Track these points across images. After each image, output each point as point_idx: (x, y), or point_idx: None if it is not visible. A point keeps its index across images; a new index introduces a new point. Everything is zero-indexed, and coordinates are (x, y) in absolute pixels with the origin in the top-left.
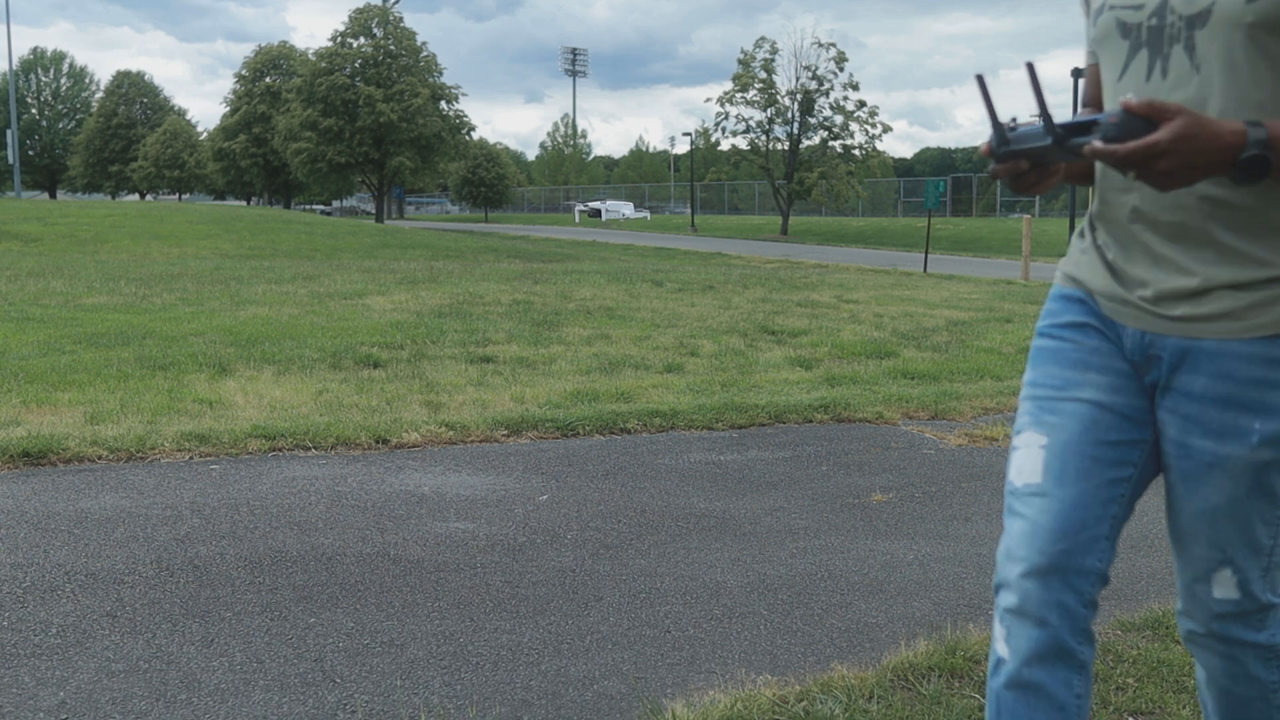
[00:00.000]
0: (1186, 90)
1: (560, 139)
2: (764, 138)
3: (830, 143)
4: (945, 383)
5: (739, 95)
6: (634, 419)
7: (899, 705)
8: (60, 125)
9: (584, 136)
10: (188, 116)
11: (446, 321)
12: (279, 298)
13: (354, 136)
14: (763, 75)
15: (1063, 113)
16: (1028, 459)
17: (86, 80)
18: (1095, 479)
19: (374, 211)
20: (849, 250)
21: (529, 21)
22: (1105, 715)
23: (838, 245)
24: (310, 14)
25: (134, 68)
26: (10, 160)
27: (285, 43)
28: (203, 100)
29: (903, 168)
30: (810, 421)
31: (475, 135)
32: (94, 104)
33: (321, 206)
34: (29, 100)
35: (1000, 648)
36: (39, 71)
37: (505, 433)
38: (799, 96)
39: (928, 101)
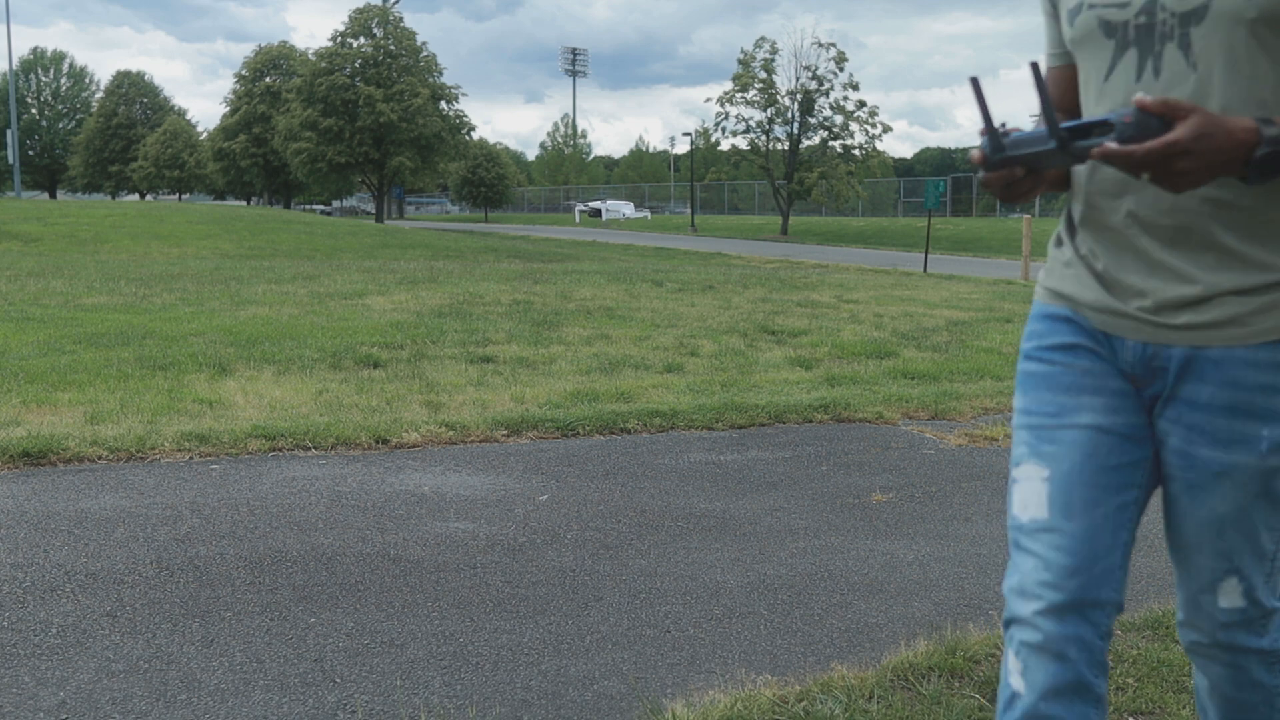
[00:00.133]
0: (1183, 89)
1: (560, 139)
2: (764, 138)
3: (830, 143)
4: (945, 383)
5: (739, 95)
6: (634, 419)
7: (899, 705)
8: (60, 125)
9: (584, 136)
10: (188, 116)
11: (446, 321)
12: (279, 298)
13: (354, 136)
14: (763, 75)
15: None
16: (1031, 493)
17: (86, 80)
18: (1103, 508)
19: (374, 211)
20: (849, 250)
21: (529, 21)
22: (1107, 699)
23: (838, 245)
24: (310, 14)
25: (134, 68)
26: (10, 160)
27: (285, 43)
28: (203, 100)
29: (903, 168)
30: (810, 421)
31: (475, 135)
32: (94, 104)
33: (321, 206)
34: (29, 100)
35: (1015, 681)
36: (39, 71)
37: (505, 433)
38: (799, 96)
39: (928, 101)
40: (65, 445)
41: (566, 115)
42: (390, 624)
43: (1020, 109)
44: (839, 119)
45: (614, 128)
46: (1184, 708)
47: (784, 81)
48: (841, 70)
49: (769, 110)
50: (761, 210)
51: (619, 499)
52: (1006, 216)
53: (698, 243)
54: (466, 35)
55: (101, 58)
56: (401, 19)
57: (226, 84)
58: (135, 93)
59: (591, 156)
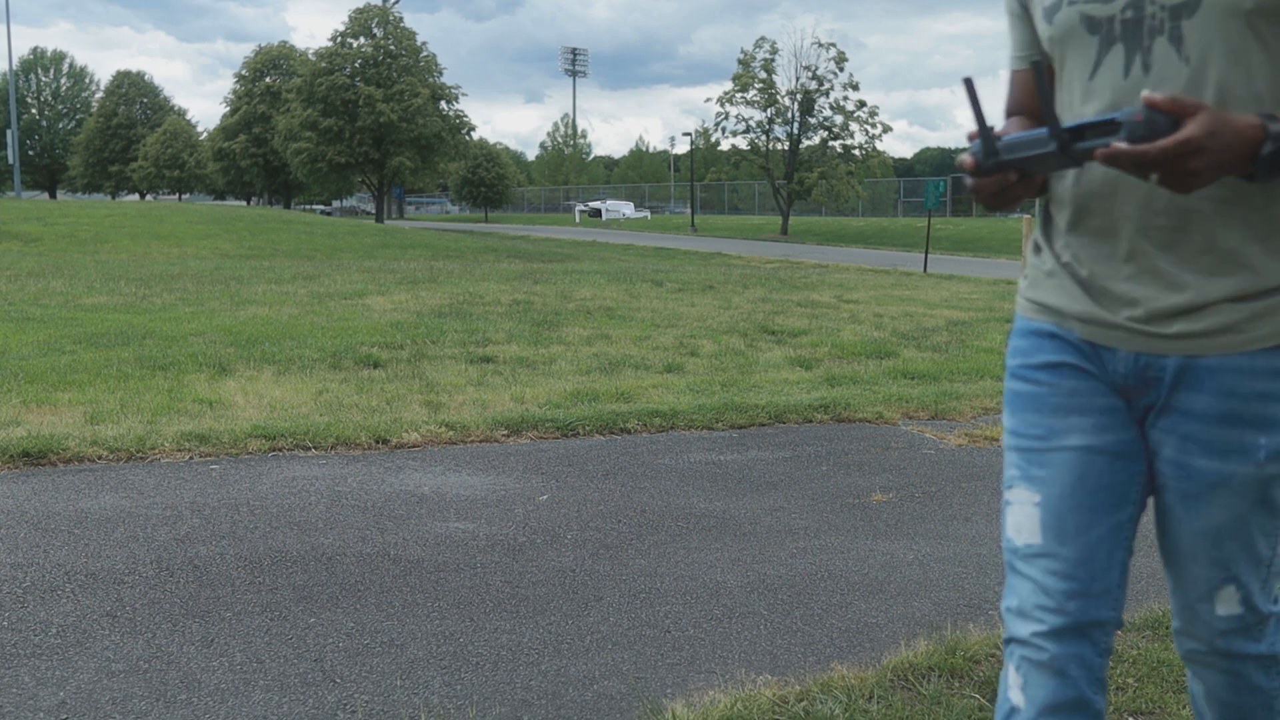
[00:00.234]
0: (1175, 84)
1: (560, 139)
2: (764, 138)
3: (830, 143)
4: (945, 383)
5: (739, 95)
6: (634, 419)
7: (899, 705)
8: (60, 125)
9: (584, 136)
10: (188, 116)
11: (446, 321)
12: (279, 298)
13: (354, 136)
14: (763, 75)
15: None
16: (1024, 518)
17: (86, 80)
18: (1097, 529)
19: (374, 211)
20: (849, 250)
21: (529, 21)
22: (1105, 715)
23: (838, 245)
24: (310, 14)
25: (134, 68)
26: (10, 160)
27: (285, 43)
28: (203, 100)
29: (903, 168)
30: (810, 421)
31: (475, 135)
32: (94, 104)
33: (321, 206)
34: (29, 100)
35: (1015, 696)
36: (39, 71)
37: (505, 433)
38: (799, 96)
39: (928, 101)
40: (65, 445)
41: (566, 115)
42: (390, 624)
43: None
44: (839, 119)
45: (614, 128)
46: (1184, 708)
47: (784, 81)
48: (841, 70)
49: (769, 110)
50: (761, 210)
51: (619, 499)
52: (1007, 216)
53: (698, 243)
54: (466, 35)
55: (101, 58)
56: (401, 19)
57: (226, 84)
58: (135, 93)
59: (591, 156)
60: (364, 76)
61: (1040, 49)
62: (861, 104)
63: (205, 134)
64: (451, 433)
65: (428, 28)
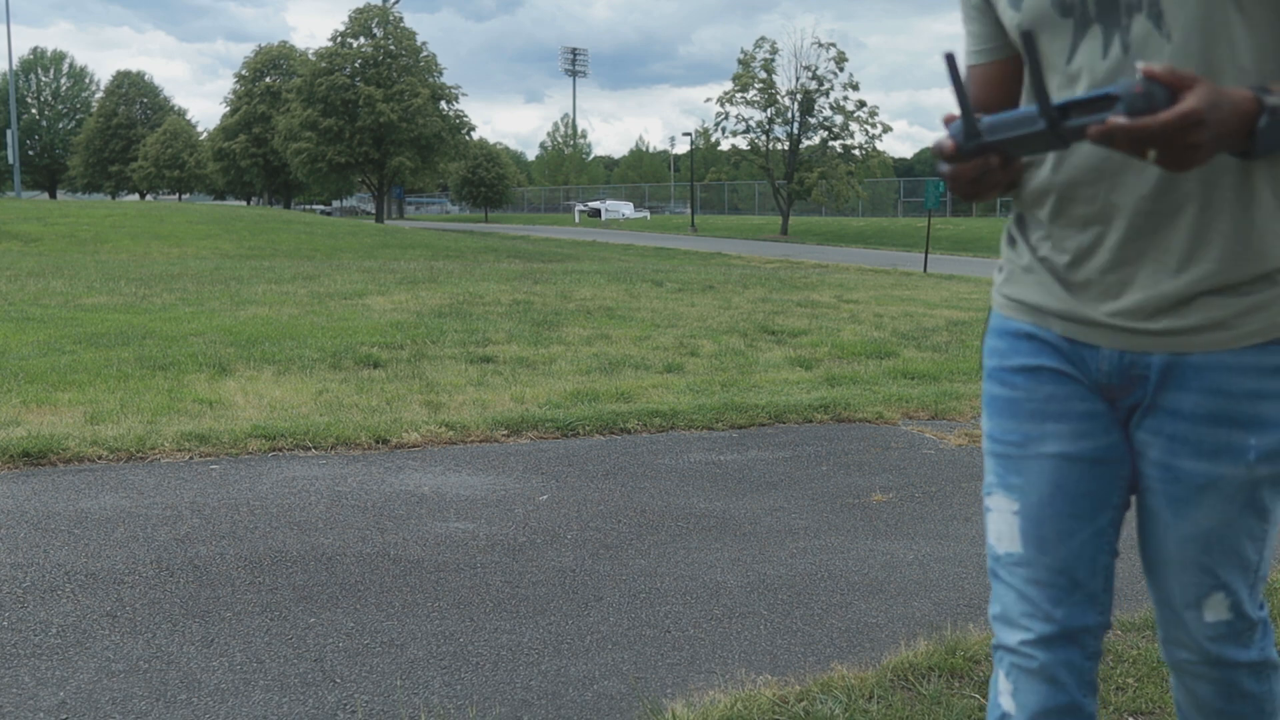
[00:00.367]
0: (1157, 62)
1: (560, 139)
2: (764, 138)
3: (830, 143)
4: (945, 383)
5: (739, 95)
6: (634, 419)
7: (899, 705)
8: (60, 125)
9: (584, 136)
10: (188, 116)
11: (446, 321)
12: (279, 298)
13: (354, 136)
14: (763, 75)
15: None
16: (1004, 525)
17: (86, 80)
18: (1078, 537)
19: (374, 211)
20: (849, 250)
21: (529, 21)
22: (1105, 715)
23: (838, 245)
24: (310, 14)
25: (134, 68)
26: (10, 160)
27: (285, 43)
28: (203, 100)
29: (903, 168)
30: (810, 421)
31: (475, 135)
32: (94, 104)
33: (321, 206)
34: (29, 100)
35: (1006, 702)
36: (39, 71)
37: (505, 433)
38: (799, 96)
39: (928, 101)
40: (65, 445)
41: (566, 115)
42: (390, 624)
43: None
44: (839, 119)
45: (614, 128)
46: None
47: (784, 81)
48: (841, 70)
49: (769, 110)
50: (761, 210)
51: (619, 499)
52: (1006, 216)
53: (698, 243)
54: (466, 35)
55: (101, 58)
56: (401, 19)
57: (226, 84)
58: (135, 93)
59: (591, 156)
60: (364, 76)
61: (1003, 40)
62: (861, 104)
63: (205, 134)
64: (451, 433)
65: (428, 28)
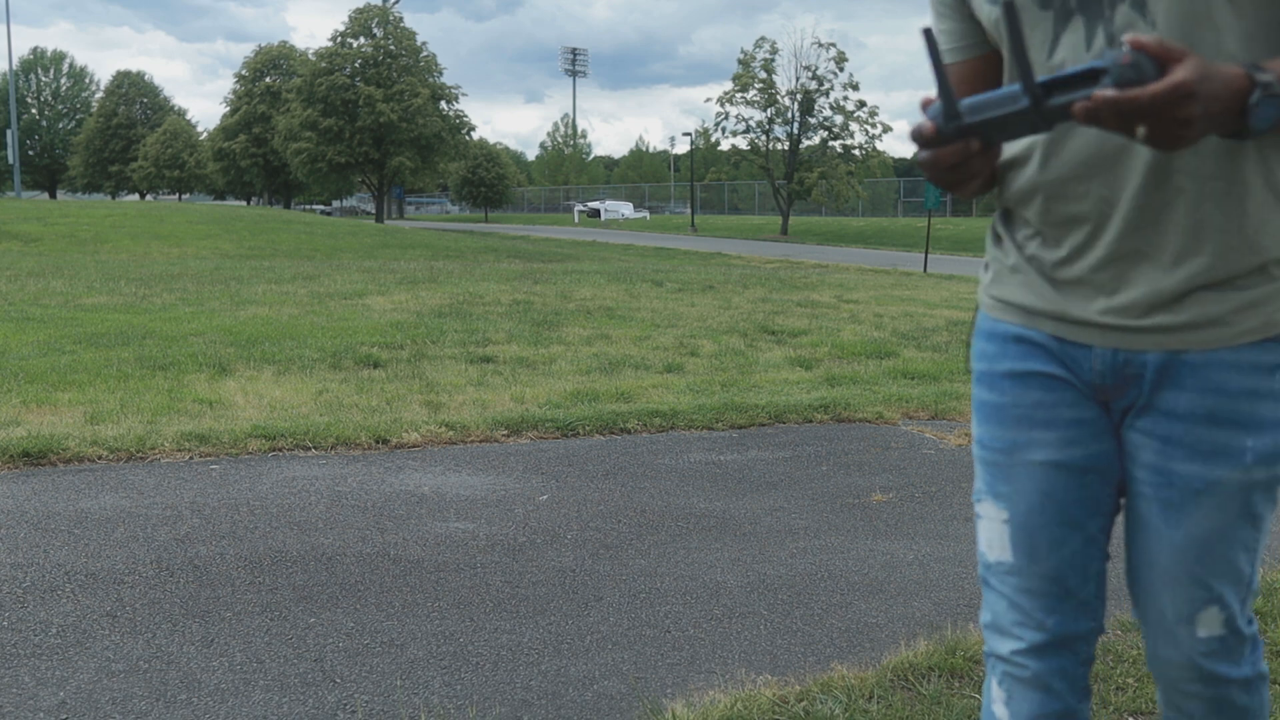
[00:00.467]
0: None
1: (560, 139)
2: (764, 138)
3: (830, 143)
4: (945, 383)
5: (739, 95)
6: (634, 419)
7: (899, 705)
8: (60, 125)
9: (584, 136)
10: (188, 116)
11: (446, 321)
12: (279, 298)
13: (354, 136)
14: (763, 75)
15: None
16: (994, 533)
17: (86, 80)
18: (1069, 545)
19: (374, 211)
20: (849, 250)
21: (529, 21)
22: (1105, 715)
23: (838, 245)
24: (310, 14)
25: (134, 68)
26: (10, 160)
27: (285, 43)
28: (203, 100)
29: (903, 168)
30: (810, 421)
31: (475, 135)
32: (94, 104)
33: (321, 206)
34: (29, 100)
35: (999, 710)
36: (39, 71)
37: (505, 433)
38: (799, 96)
39: None
40: (65, 445)
41: (566, 115)
42: (390, 624)
43: None
44: (839, 119)
45: (614, 128)
46: None
47: (784, 81)
48: (841, 70)
49: (769, 110)
50: (761, 210)
51: (619, 499)
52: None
53: (698, 243)
54: (466, 35)
55: (101, 58)
56: (401, 19)
57: (226, 84)
58: (135, 93)
59: (591, 156)
60: (364, 76)
61: (979, 37)
62: (861, 104)
63: (205, 134)
64: (451, 433)
65: (428, 28)
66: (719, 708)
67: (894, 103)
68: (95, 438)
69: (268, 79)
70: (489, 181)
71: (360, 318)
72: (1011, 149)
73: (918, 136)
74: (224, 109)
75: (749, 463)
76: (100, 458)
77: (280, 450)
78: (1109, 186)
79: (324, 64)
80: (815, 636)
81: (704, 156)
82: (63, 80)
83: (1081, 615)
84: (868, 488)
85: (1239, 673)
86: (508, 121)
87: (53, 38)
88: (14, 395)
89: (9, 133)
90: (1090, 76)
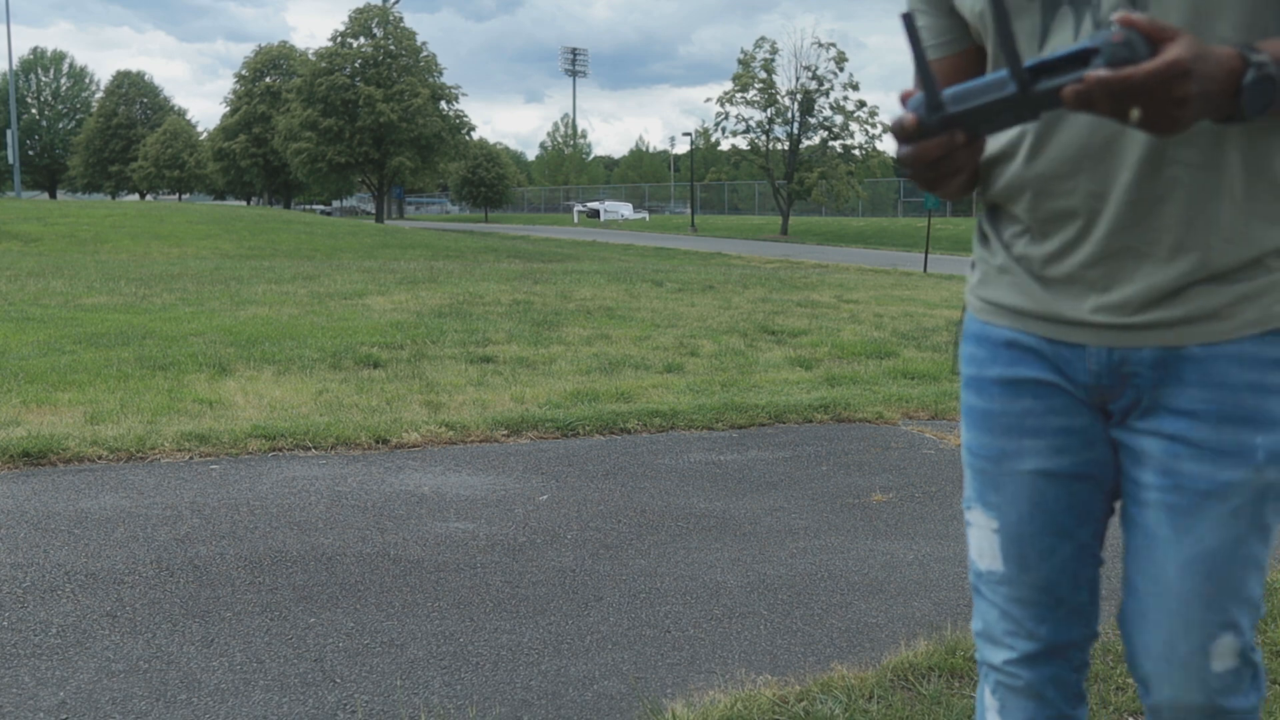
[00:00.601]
0: None
1: (560, 139)
2: (764, 138)
3: (830, 143)
4: (945, 383)
5: (739, 95)
6: (634, 419)
7: (899, 705)
8: (60, 125)
9: (584, 136)
10: (188, 116)
11: (446, 321)
12: (279, 298)
13: (354, 136)
14: (763, 75)
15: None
16: (984, 542)
17: (86, 80)
18: (1060, 554)
19: (374, 211)
20: (849, 250)
21: (529, 21)
22: (1105, 715)
23: (838, 245)
24: (310, 14)
25: (134, 68)
26: (10, 160)
27: (285, 43)
28: (203, 100)
29: (900, 169)
30: (810, 421)
31: (475, 135)
32: (94, 104)
33: (321, 206)
34: (29, 100)
35: (993, 719)
36: (39, 71)
37: (505, 433)
38: (799, 96)
39: None
40: (65, 445)
41: (566, 115)
42: (390, 624)
43: None
44: (839, 119)
45: (614, 128)
46: None
47: (784, 81)
48: (841, 70)
49: (769, 110)
50: (761, 210)
51: (619, 499)
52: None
53: (698, 243)
54: (466, 35)
55: (101, 58)
56: (401, 19)
57: (226, 84)
58: (135, 93)
59: (591, 156)
60: (364, 76)
61: (960, 32)
62: (861, 104)
63: (205, 134)
64: (451, 433)
65: (428, 28)
66: (719, 708)
67: (894, 103)
68: (95, 438)
69: (268, 79)
70: (489, 181)
71: (360, 318)
72: (996, 143)
73: (898, 130)
74: (224, 109)
75: (749, 463)
76: (100, 458)
77: (280, 450)
78: (1099, 180)
79: (324, 64)
80: (815, 636)
81: (704, 156)
82: (63, 80)
83: (1074, 623)
84: (868, 488)
85: (1246, 703)
86: (508, 121)
87: (53, 38)
88: (14, 395)
89: (9, 133)
90: (1079, 59)
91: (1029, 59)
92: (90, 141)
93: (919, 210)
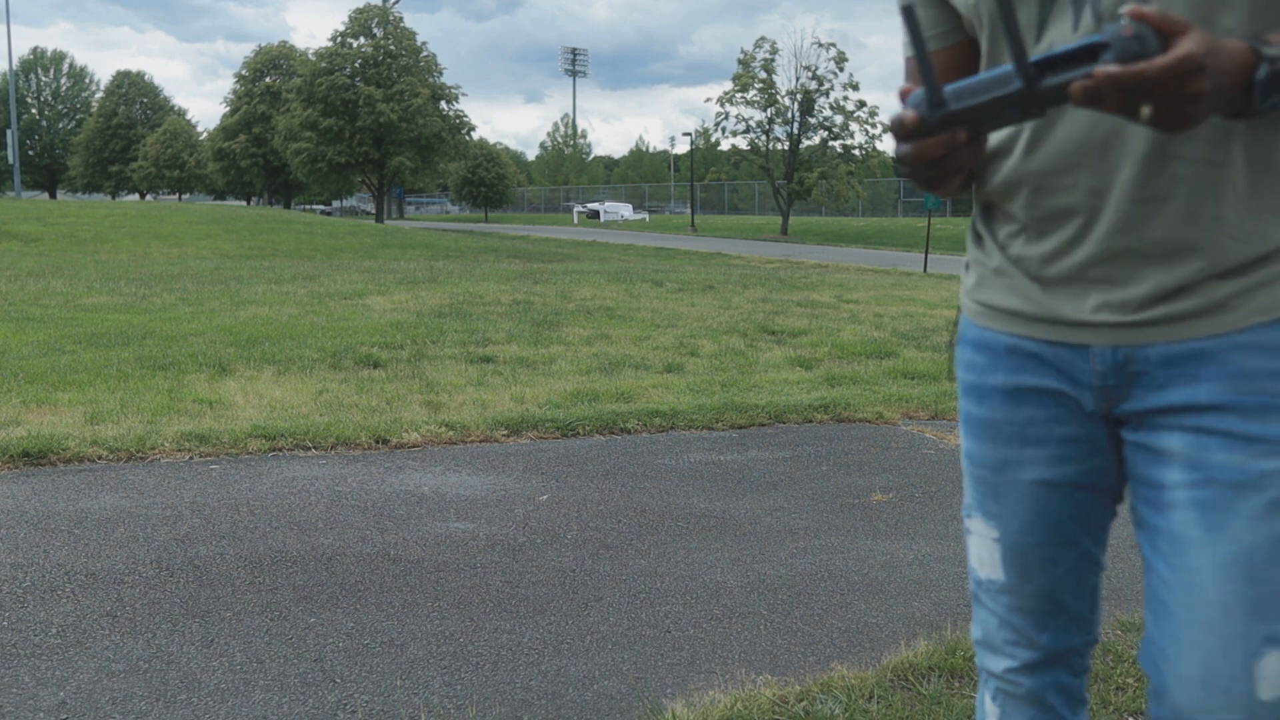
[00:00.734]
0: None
1: (560, 139)
2: (764, 138)
3: (830, 143)
4: (945, 383)
5: (739, 95)
6: (634, 419)
7: (899, 705)
8: (60, 125)
9: (584, 136)
10: (188, 116)
11: (446, 321)
12: (279, 298)
13: (354, 136)
14: (763, 75)
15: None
16: (985, 551)
17: (86, 80)
18: (1062, 564)
19: (374, 211)
20: (849, 250)
21: (529, 21)
22: (1105, 715)
23: (838, 245)
24: (310, 14)
25: (134, 68)
26: (10, 160)
27: (285, 43)
28: (203, 100)
29: (899, 168)
30: (810, 421)
31: (475, 135)
32: (94, 104)
33: (321, 206)
34: (29, 100)
35: None
36: (39, 71)
37: (505, 433)
38: (799, 96)
39: None
40: (65, 445)
41: (566, 115)
42: (390, 624)
43: None
44: (839, 119)
45: (614, 128)
46: None
47: (784, 81)
48: (841, 70)
49: (769, 110)
50: (761, 210)
51: (619, 499)
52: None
53: (698, 243)
54: (466, 35)
55: (101, 58)
56: (401, 19)
57: (226, 84)
58: (135, 93)
59: (591, 156)
60: (364, 76)
61: (954, 24)
62: (861, 104)
63: (205, 134)
64: (451, 433)
65: (428, 28)
66: (719, 708)
67: (894, 103)
68: (95, 438)
69: (268, 79)
70: (489, 181)
71: (360, 318)
72: (992, 138)
73: (898, 128)
74: (224, 109)
75: (749, 463)
76: (100, 458)
77: (280, 450)
78: (1099, 177)
79: (324, 64)
80: (815, 636)
81: (704, 156)
82: (63, 80)
83: (1075, 630)
84: (868, 488)
85: None
86: (508, 121)
87: (53, 38)
88: (14, 395)
89: (9, 133)
90: (1086, 54)
91: (1031, 54)
92: (90, 141)
93: (919, 210)
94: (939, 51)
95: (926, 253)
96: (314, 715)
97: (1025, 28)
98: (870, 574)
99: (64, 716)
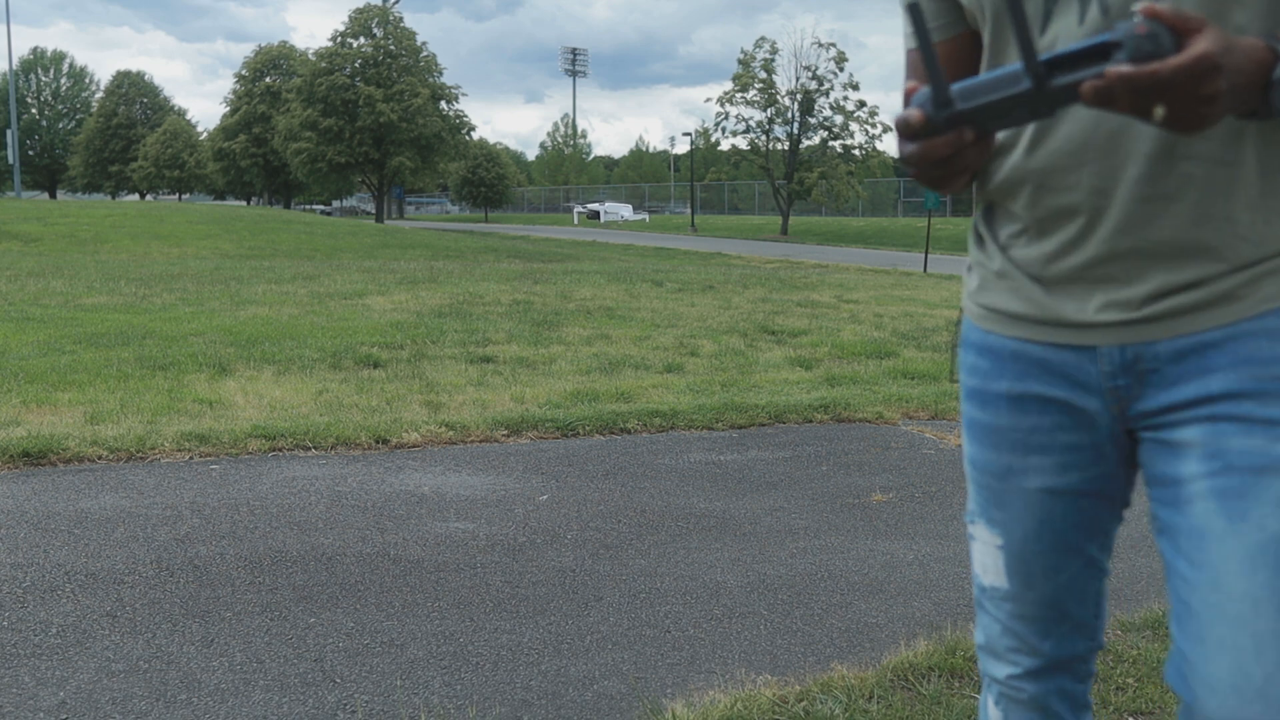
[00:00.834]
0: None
1: (560, 139)
2: (764, 138)
3: (830, 143)
4: (945, 383)
5: (739, 95)
6: (634, 419)
7: (899, 705)
8: (60, 125)
9: (584, 136)
10: (188, 116)
11: (446, 321)
12: (279, 298)
13: (354, 136)
14: (763, 75)
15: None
16: (988, 558)
17: (86, 80)
18: (1066, 571)
19: (374, 211)
20: (849, 250)
21: (529, 21)
22: (1105, 715)
23: (838, 245)
24: (310, 14)
25: (134, 68)
26: (10, 160)
27: (285, 43)
28: (203, 100)
29: (902, 168)
30: (810, 421)
31: (475, 135)
32: (94, 104)
33: (321, 206)
34: (29, 100)
35: None
36: (39, 71)
37: (505, 433)
38: (799, 96)
39: None
40: (65, 445)
41: (566, 115)
42: (390, 624)
43: None
44: (839, 119)
45: (614, 128)
46: None
47: (784, 81)
48: (841, 70)
49: (769, 110)
50: (761, 210)
51: (619, 499)
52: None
53: (698, 243)
54: (466, 35)
55: (101, 58)
56: (401, 19)
57: (226, 84)
58: (135, 93)
59: (591, 156)
60: (364, 76)
61: (956, 15)
62: (861, 104)
63: (205, 134)
64: (451, 433)
65: (428, 28)
66: (719, 708)
67: (894, 103)
68: (95, 438)
69: (268, 79)
70: (489, 181)
71: (360, 318)
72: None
73: (904, 127)
74: (224, 109)
75: (749, 463)
76: (100, 458)
77: (280, 450)
78: (1104, 175)
79: (324, 64)
80: (815, 636)
81: (704, 156)
82: (63, 80)
83: (1079, 637)
84: (868, 488)
85: None
86: (508, 121)
87: (53, 38)
88: (14, 395)
89: (9, 133)
90: (1098, 52)
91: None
92: (90, 141)
93: (919, 210)
94: (941, 44)
95: (926, 253)
96: (314, 715)
97: (1030, 20)
98: (870, 574)
99: (64, 716)
